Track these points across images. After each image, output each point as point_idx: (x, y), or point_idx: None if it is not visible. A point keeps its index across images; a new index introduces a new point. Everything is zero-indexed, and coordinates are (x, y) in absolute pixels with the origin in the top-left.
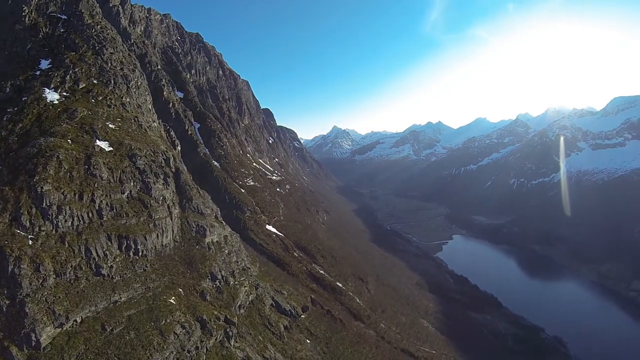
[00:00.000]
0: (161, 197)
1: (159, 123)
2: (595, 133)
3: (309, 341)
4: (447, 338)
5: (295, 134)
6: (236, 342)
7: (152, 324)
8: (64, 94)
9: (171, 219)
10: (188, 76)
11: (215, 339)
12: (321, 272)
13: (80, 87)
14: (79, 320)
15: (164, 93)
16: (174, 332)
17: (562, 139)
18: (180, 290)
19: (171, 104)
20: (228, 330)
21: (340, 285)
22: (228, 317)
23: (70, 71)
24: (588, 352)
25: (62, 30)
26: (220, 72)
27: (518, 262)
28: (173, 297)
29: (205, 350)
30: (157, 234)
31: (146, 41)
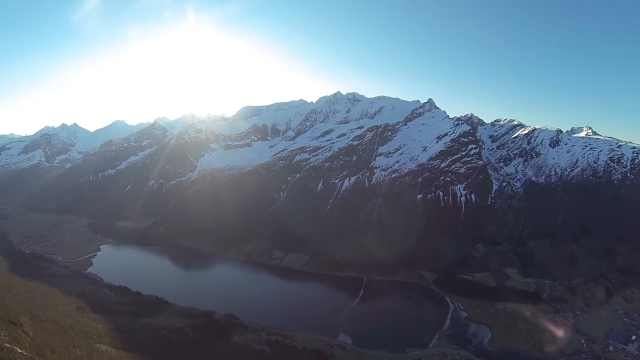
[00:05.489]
0: None
1: None
2: (227, 135)
3: None
4: (131, 353)
5: None
6: None
7: None
8: None
9: None
10: None
11: None
12: None
13: None
14: None
15: None
16: None
17: (196, 140)
18: None
19: None
20: None
21: None
22: None
23: None
24: (258, 315)
25: None
26: None
27: (171, 259)
28: None
29: None
30: None
31: None
